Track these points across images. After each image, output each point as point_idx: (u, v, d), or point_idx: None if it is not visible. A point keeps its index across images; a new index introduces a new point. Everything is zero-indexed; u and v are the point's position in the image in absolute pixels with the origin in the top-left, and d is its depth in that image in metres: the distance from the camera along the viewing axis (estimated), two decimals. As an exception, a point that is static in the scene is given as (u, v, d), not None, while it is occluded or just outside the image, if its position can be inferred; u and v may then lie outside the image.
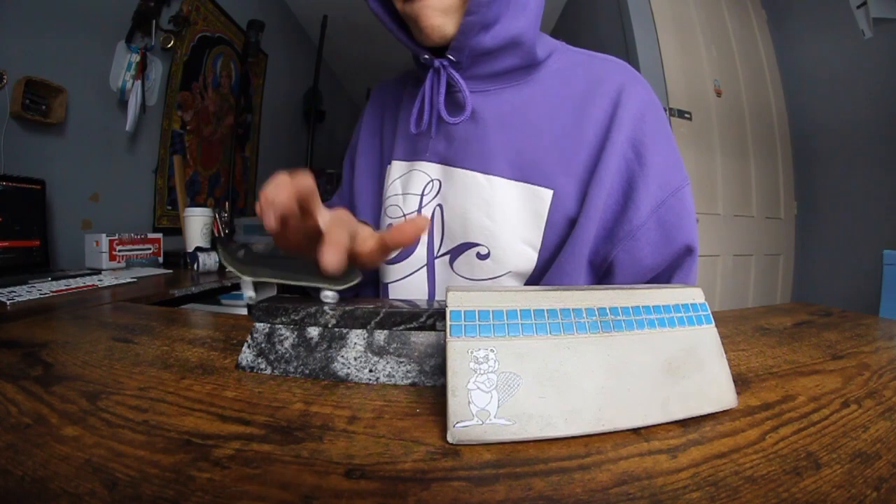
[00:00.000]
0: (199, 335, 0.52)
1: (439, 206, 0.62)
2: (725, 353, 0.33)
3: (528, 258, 0.58)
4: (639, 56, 2.32)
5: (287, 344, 0.39)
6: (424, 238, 0.62)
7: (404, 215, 0.64)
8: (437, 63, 0.58)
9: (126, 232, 1.70)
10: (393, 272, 0.65)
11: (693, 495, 0.22)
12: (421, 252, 0.63)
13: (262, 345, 0.39)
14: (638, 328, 0.31)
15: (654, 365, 0.31)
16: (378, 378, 0.37)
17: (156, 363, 0.41)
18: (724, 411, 0.32)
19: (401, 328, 0.38)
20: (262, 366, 0.39)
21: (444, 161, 0.62)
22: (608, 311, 0.31)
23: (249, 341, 0.40)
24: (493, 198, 0.58)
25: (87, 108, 1.76)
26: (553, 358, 0.29)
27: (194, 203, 2.41)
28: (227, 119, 2.75)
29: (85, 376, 0.38)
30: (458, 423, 0.27)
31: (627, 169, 0.56)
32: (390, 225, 0.64)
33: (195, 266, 1.71)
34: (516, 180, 0.59)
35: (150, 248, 1.79)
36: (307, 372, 0.38)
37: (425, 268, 0.63)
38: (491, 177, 0.59)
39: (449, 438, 0.27)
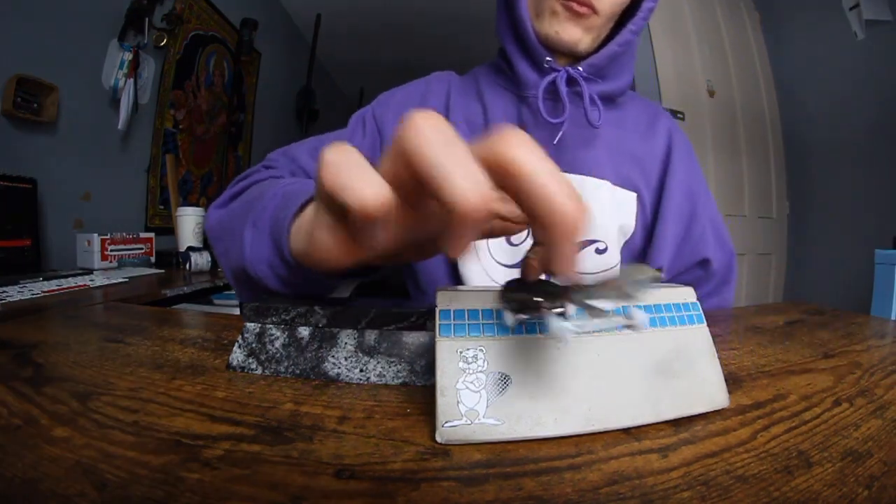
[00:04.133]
0: (191, 335, 0.52)
1: None
2: (717, 352, 0.33)
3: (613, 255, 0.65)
4: (632, 56, 2.32)
5: (278, 344, 0.39)
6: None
7: None
8: (573, 73, 0.63)
9: (118, 231, 1.69)
10: (508, 255, 0.66)
11: (684, 495, 0.22)
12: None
13: (253, 345, 0.39)
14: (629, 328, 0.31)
15: (644, 365, 0.31)
16: (369, 378, 0.37)
17: (147, 364, 0.41)
18: (716, 411, 0.32)
19: (391, 328, 0.38)
20: (253, 366, 0.39)
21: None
22: (599, 310, 0.31)
23: (240, 341, 0.40)
24: (608, 199, 0.66)
25: (79, 107, 1.74)
26: (543, 357, 0.29)
27: (187, 202, 2.40)
28: (219, 118, 2.73)
29: (76, 377, 0.37)
30: (446, 422, 0.27)
31: (692, 195, 0.70)
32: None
33: (187, 266, 1.70)
34: (615, 185, 0.67)
35: (142, 248, 1.78)
36: (298, 372, 0.38)
37: None
38: (600, 181, 0.66)
39: (437, 438, 0.27)
